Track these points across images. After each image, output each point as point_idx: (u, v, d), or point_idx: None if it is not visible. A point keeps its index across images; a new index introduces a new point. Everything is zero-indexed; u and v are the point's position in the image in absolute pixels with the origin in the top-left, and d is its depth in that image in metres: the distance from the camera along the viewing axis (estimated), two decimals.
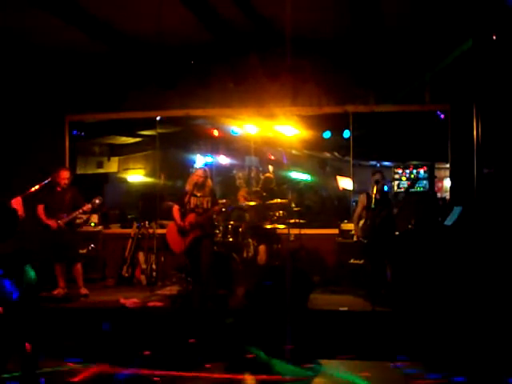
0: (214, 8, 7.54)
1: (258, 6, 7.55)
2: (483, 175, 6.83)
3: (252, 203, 8.46)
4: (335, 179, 11.25)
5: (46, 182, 7.44)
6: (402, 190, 9.03)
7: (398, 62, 8.64)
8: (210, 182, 7.53)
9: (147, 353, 5.67)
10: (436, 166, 10.03)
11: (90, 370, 5.32)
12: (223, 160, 11.46)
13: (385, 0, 7.15)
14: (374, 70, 8.60)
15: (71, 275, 7.75)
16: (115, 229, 9.85)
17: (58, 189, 7.61)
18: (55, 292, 7.58)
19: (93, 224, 9.18)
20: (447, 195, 9.70)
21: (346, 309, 6.70)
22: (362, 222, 7.46)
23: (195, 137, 11.21)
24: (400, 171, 9.36)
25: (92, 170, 11.70)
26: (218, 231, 8.13)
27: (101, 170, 12.00)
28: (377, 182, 7.22)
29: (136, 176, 12.04)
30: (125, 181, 12.13)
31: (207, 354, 5.70)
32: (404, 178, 9.30)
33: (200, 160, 11.06)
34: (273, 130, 9.99)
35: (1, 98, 8.96)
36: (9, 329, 4.82)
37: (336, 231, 8.71)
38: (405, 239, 7.71)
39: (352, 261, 8.30)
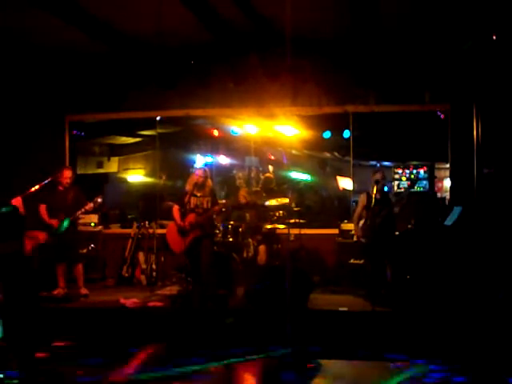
0: (213, 8, 7.53)
1: (257, 6, 7.54)
2: (483, 175, 6.84)
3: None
4: (335, 179, 11.25)
5: (46, 182, 7.44)
6: (402, 190, 9.04)
7: (397, 62, 8.63)
8: (209, 182, 7.54)
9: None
10: (436, 166, 10.04)
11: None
12: (223, 160, 11.46)
13: (385, 0, 7.14)
14: (374, 70, 8.60)
15: (72, 275, 7.76)
16: (115, 229, 9.84)
17: (61, 188, 7.61)
18: (55, 292, 7.58)
19: (93, 224, 9.17)
20: (447, 195, 9.69)
21: (345, 309, 6.70)
22: (362, 222, 7.46)
23: (195, 137, 11.22)
24: (400, 171, 9.37)
25: (92, 170, 11.70)
26: (217, 231, 8.14)
27: (101, 170, 12.00)
28: (377, 182, 7.21)
29: (136, 176, 12.04)
30: (125, 181, 12.13)
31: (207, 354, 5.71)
32: (404, 178, 9.32)
33: (200, 160, 11.06)
34: (273, 130, 9.99)
35: (1, 98, 8.96)
36: None
37: (336, 231, 8.71)
38: (405, 239, 7.71)
39: (352, 261, 8.29)
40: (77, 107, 9.63)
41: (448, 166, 9.04)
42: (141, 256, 8.95)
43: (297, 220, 8.44)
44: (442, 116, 8.81)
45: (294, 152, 11.20)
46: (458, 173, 8.58)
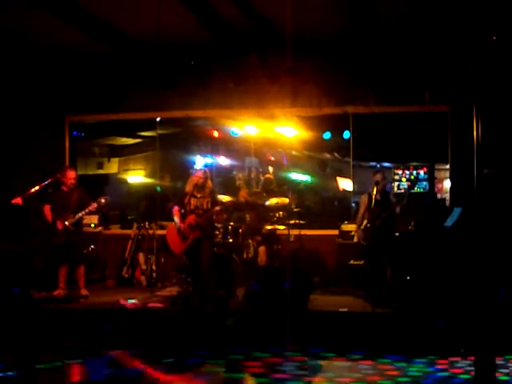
0: (213, 8, 7.54)
1: (258, 6, 7.55)
2: (483, 175, 6.81)
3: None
4: (335, 180, 11.23)
5: (46, 182, 7.44)
6: (402, 190, 9.02)
7: (398, 63, 8.63)
8: (210, 183, 7.53)
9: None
10: (436, 166, 10.02)
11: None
12: (223, 161, 11.44)
13: (384, 0, 7.14)
14: (374, 70, 8.60)
15: (73, 276, 7.73)
16: (115, 230, 9.84)
17: (65, 189, 7.62)
18: (55, 293, 7.56)
19: (93, 225, 9.16)
20: (447, 196, 9.68)
21: (346, 310, 6.69)
22: (365, 222, 7.42)
23: (195, 138, 11.20)
24: (400, 172, 9.35)
25: (92, 171, 11.69)
26: (217, 232, 8.13)
27: (101, 171, 11.99)
28: (376, 183, 7.20)
29: (136, 177, 12.03)
30: (125, 182, 12.12)
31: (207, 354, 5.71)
32: (404, 179, 9.29)
33: (200, 161, 11.05)
34: (273, 130, 9.99)
35: (1, 98, 8.96)
36: None
37: (336, 232, 8.70)
38: (405, 240, 7.70)
39: (352, 262, 8.28)
40: (77, 108, 9.63)
41: (448, 166, 9.04)
42: (141, 257, 8.94)
43: (297, 221, 8.43)
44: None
45: (293, 153, 11.18)
46: (458, 173, 8.58)
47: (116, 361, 5.51)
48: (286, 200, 8.59)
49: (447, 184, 10.22)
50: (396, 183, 9.28)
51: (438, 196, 10.64)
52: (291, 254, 8.10)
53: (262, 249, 8.33)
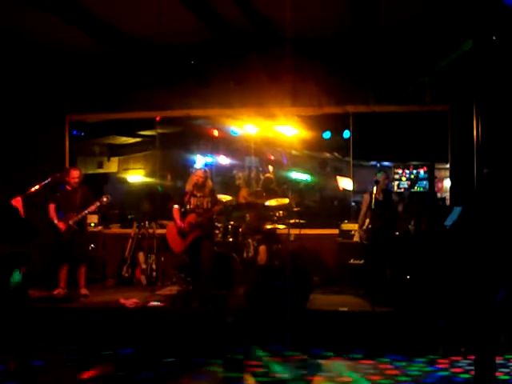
0: (213, 8, 7.54)
1: (258, 6, 7.54)
2: (483, 175, 6.81)
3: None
4: (335, 179, 11.22)
5: (46, 181, 7.44)
6: (402, 190, 9.03)
7: (398, 62, 8.63)
8: (210, 182, 7.54)
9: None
10: (436, 166, 10.03)
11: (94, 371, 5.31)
12: (223, 160, 11.43)
13: (384, 0, 7.14)
14: (374, 70, 8.60)
15: (74, 276, 7.73)
16: (115, 229, 9.83)
17: (69, 188, 7.64)
18: (55, 292, 7.58)
19: (93, 224, 9.15)
20: (447, 195, 9.68)
21: (345, 309, 6.69)
22: (367, 222, 7.41)
23: (195, 137, 11.20)
24: (400, 171, 9.36)
25: (92, 170, 11.68)
26: (217, 231, 8.14)
27: (101, 170, 11.98)
28: (377, 183, 7.20)
29: (136, 176, 12.02)
30: (125, 181, 12.12)
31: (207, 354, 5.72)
32: (404, 178, 9.30)
33: (200, 160, 11.05)
34: (273, 130, 9.97)
35: (1, 98, 8.96)
36: None
37: (336, 231, 8.71)
38: (405, 239, 7.70)
39: (352, 261, 8.29)
40: (77, 107, 9.63)
41: (448, 166, 9.04)
42: (141, 256, 8.94)
43: (297, 220, 8.44)
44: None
45: (293, 152, 11.16)
46: (458, 173, 8.58)
47: None
48: (286, 199, 8.59)
49: (447, 183, 10.22)
50: (396, 182, 9.29)
51: (438, 195, 10.65)
52: (291, 254, 8.09)
53: (262, 248, 8.33)
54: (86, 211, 7.54)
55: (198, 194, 7.39)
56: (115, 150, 12.26)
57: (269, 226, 8.45)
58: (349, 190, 9.88)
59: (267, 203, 8.56)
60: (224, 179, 10.89)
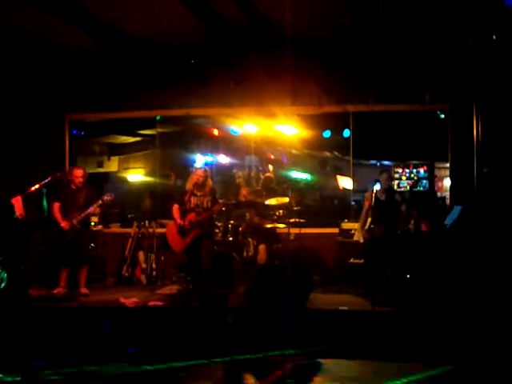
0: (213, 7, 7.54)
1: (258, 6, 7.54)
2: (483, 175, 6.83)
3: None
4: (335, 178, 11.24)
5: (46, 180, 7.44)
6: (402, 189, 9.03)
7: (398, 62, 8.62)
8: (210, 181, 7.55)
9: None
10: (436, 165, 10.04)
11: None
12: (223, 159, 11.45)
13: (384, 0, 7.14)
14: (374, 69, 8.59)
15: (75, 275, 7.73)
16: (115, 228, 9.84)
17: (73, 187, 7.64)
18: (55, 291, 7.58)
19: (93, 223, 9.15)
20: (447, 194, 9.69)
21: (345, 308, 6.70)
22: (369, 221, 7.40)
23: (195, 136, 11.21)
24: (400, 170, 9.37)
25: (92, 170, 11.68)
26: (217, 230, 8.14)
27: (101, 170, 12.00)
28: (378, 182, 7.18)
29: (136, 175, 12.04)
30: (125, 180, 12.13)
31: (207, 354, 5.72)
32: (404, 178, 9.31)
33: (200, 159, 11.07)
34: (273, 129, 9.99)
35: (1, 98, 8.96)
36: None
37: (336, 230, 8.71)
38: (405, 239, 7.71)
39: (352, 260, 8.29)
40: (77, 106, 9.63)
41: (448, 165, 9.04)
42: (141, 255, 8.94)
43: (297, 219, 8.44)
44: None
45: (293, 151, 11.19)
46: (458, 172, 8.58)
47: None
48: (286, 198, 8.59)
49: (447, 182, 10.23)
50: (396, 181, 9.30)
51: (438, 194, 10.66)
52: (291, 253, 8.10)
53: (261, 247, 8.34)
54: (89, 210, 7.55)
55: (198, 193, 7.40)
56: (115, 149, 12.27)
57: (269, 225, 8.46)
58: (349, 189, 9.89)
59: (267, 202, 8.57)
60: (224, 178, 10.90)
